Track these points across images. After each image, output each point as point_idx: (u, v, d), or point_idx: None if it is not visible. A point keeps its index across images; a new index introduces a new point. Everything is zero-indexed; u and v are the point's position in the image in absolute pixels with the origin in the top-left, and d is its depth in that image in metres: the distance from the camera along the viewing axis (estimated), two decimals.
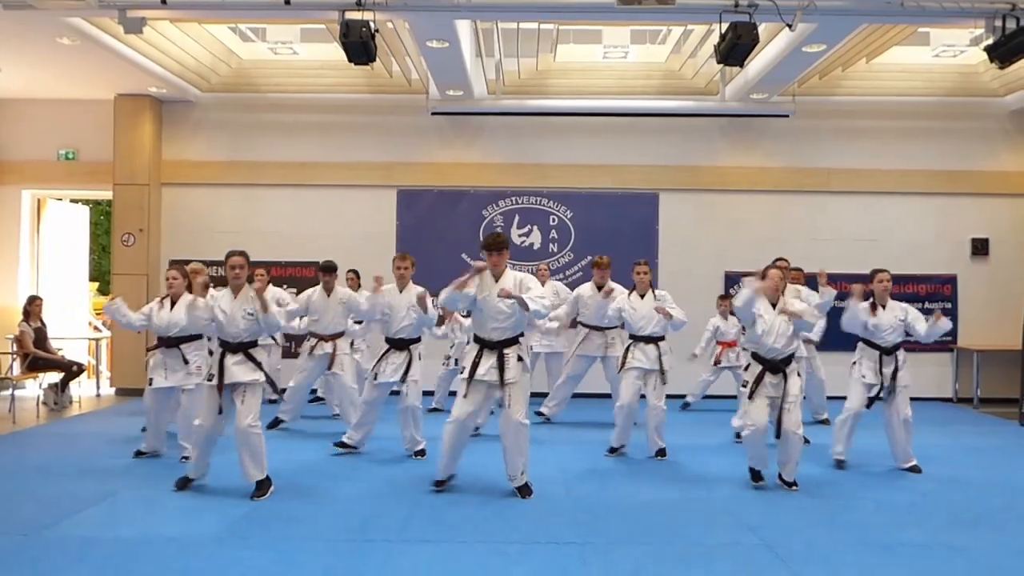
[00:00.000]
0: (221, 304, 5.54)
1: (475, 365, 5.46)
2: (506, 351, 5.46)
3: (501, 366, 5.43)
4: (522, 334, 5.60)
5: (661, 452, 6.76)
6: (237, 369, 5.45)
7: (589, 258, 10.01)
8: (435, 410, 8.86)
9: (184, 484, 5.58)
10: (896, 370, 6.35)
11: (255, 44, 9.98)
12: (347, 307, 7.59)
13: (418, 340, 6.74)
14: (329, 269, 7.70)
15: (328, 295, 7.65)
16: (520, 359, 5.49)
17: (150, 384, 6.48)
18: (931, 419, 8.77)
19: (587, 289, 8.13)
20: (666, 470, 6.38)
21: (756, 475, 5.85)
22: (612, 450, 6.90)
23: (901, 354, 6.40)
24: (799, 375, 5.91)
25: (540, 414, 8.37)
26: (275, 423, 7.80)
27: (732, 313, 8.52)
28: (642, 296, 6.87)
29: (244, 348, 5.51)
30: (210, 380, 5.51)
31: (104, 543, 4.49)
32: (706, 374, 8.92)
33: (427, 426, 7.90)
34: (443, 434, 5.58)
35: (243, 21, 9.03)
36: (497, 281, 5.50)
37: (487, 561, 4.28)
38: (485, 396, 5.57)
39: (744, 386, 5.80)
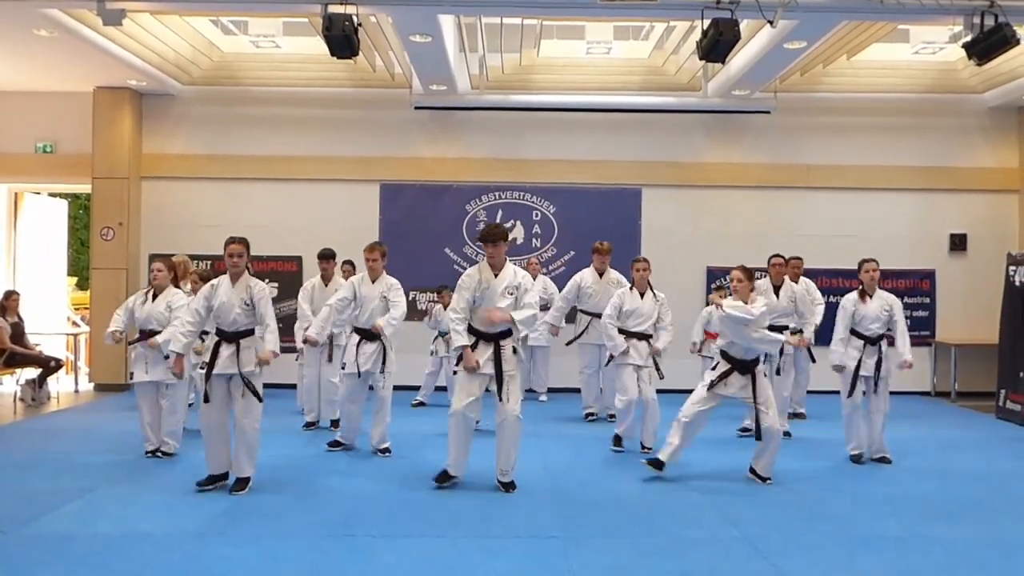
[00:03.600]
0: (219, 292, 5.45)
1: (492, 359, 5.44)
2: (502, 343, 5.48)
3: (498, 359, 5.43)
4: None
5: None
6: (230, 360, 5.38)
7: (572, 253, 10.07)
8: (420, 404, 8.86)
9: (210, 482, 5.45)
10: (880, 360, 6.44)
11: (237, 37, 9.89)
12: None
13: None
14: (327, 256, 7.58)
15: (326, 285, 7.58)
16: (515, 351, 5.52)
17: (131, 378, 6.40)
18: (909, 412, 8.86)
19: (588, 276, 8.13)
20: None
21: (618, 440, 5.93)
22: (618, 440, 6.90)
23: (884, 345, 6.49)
24: (766, 375, 5.95)
25: (592, 415, 8.26)
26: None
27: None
28: (641, 294, 6.87)
29: (240, 337, 5.43)
30: (202, 368, 5.45)
31: (82, 540, 4.46)
32: None
33: (415, 421, 7.93)
34: (448, 428, 5.55)
35: (224, 14, 8.95)
36: (496, 275, 5.50)
37: (470, 555, 4.28)
38: (480, 386, 5.53)
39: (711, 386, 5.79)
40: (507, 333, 5.51)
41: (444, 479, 5.58)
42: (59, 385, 9.61)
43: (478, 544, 4.46)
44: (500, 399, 5.46)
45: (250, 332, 5.48)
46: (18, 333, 9.13)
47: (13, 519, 4.79)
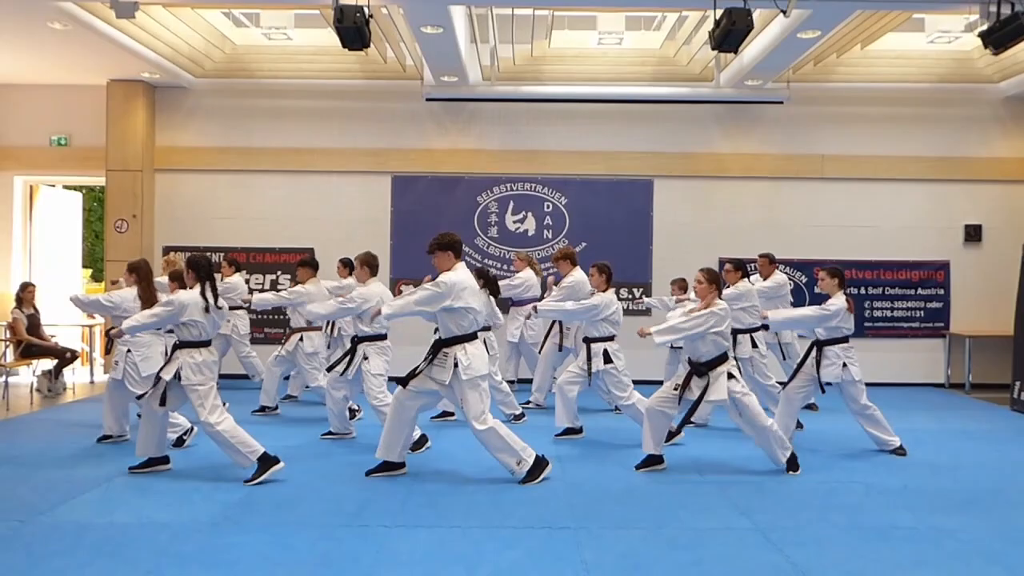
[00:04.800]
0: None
1: (426, 359, 5.49)
2: (445, 350, 5.41)
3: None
4: (473, 336, 5.47)
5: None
6: (184, 371, 5.43)
7: (583, 244, 10.04)
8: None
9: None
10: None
11: (249, 29, 9.92)
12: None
13: (375, 338, 6.60)
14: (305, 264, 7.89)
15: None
16: (456, 364, 5.31)
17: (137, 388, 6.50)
18: (923, 404, 8.83)
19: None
20: None
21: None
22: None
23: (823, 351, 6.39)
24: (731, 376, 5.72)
25: (530, 403, 8.32)
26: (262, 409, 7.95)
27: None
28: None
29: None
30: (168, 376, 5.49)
31: (99, 528, 4.51)
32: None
33: (421, 415, 7.93)
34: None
35: (236, 6, 8.97)
36: None
37: (482, 545, 4.30)
38: (428, 388, 5.49)
39: (675, 389, 5.76)
40: (452, 341, 5.39)
41: (391, 469, 5.61)
42: (75, 376, 9.70)
43: (491, 534, 4.48)
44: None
45: (200, 343, 5.53)
46: (34, 324, 9.22)
47: (31, 508, 4.85)
